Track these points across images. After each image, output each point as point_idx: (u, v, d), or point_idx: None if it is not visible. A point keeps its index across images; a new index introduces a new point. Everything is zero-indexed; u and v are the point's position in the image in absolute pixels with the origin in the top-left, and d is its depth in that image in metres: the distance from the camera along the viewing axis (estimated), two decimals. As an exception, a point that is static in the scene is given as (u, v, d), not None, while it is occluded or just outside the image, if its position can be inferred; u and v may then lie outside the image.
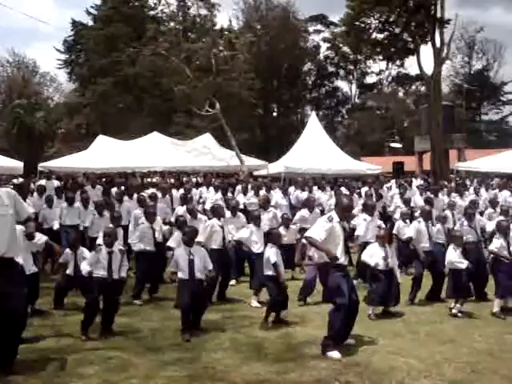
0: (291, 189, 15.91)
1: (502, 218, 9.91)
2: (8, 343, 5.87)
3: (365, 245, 9.56)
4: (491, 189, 16.56)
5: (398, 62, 40.01)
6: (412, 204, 13.56)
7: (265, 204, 10.86)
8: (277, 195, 14.51)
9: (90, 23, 48.03)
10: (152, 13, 44.30)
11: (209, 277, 7.65)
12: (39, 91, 51.48)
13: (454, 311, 8.32)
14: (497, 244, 8.54)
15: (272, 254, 7.86)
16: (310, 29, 56.71)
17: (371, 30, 30.30)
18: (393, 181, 18.11)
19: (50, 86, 54.42)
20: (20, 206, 6.06)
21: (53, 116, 41.28)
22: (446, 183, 17.47)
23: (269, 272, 7.83)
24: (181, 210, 11.45)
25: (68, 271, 8.52)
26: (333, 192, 15.29)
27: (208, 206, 12.97)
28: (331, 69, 58.11)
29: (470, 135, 38.77)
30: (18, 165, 20.77)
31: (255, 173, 22.82)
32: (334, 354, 6.35)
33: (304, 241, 7.68)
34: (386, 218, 13.44)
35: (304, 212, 11.57)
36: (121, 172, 21.31)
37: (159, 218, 10.31)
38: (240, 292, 9.69)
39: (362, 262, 8.70)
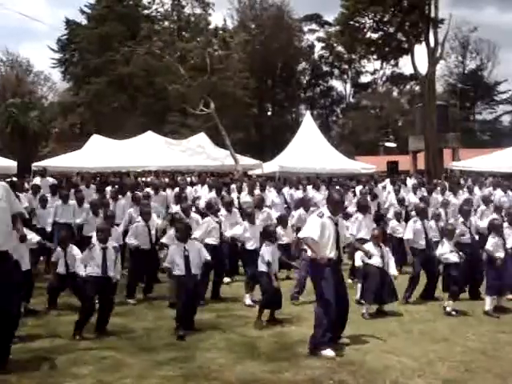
0: (285, 189, 15.90)
1: (495, 215, 9.95)
2: (0, 342, 5.85)
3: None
4: (485, 187, 16.59)
5: (392, 62, 40.21)
6: (406, 203, 13.59)
7: (259, 204, 10.85)
8: (271, 194, 14.50)
9: (84, 22, 47.94)
10: (146, 12, 44.25)
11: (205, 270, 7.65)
12: (33, 90, 51.30)
13: (448, 309, 8.34)
14: (492, 243, 8.58)
15: (266, 252, 7.88)
16: (305, 28, 56.91)
17: (366, 30, 30.41)
18: (387, 180, 18.11)
19: (44, 85, 54.35)
20: (13, 200, 6.06)
21: (47, 115, 41.15)
22: (440, 181, 17.51)
23: (262, 268, 7.86)
24: (175, 208, 11.46)
25: (58, 269, 8.47)
26: (327, 192, 15.28)
27: (202, 204, 12.99)
28: (326, 68, 58.22)
29: (463, 135, 38.88)
30: (11, 164, 20.74)
31: (250, 172, 22.83)
32: (328, 353, 6.36)
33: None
34: (380, 217, 13.46)
35: (301, 211, 11.57)
36: (115, 171, 21.27)
37: (155, 216, 10.30)
38: (234, 291, 9.69)
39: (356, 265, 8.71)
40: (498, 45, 58.72)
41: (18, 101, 37.20)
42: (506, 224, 9.09)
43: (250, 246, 9.21)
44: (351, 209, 12.51)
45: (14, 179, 18.13)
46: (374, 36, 30.63)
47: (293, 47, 52.58)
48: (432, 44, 28.54)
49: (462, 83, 54.16)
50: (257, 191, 13.77)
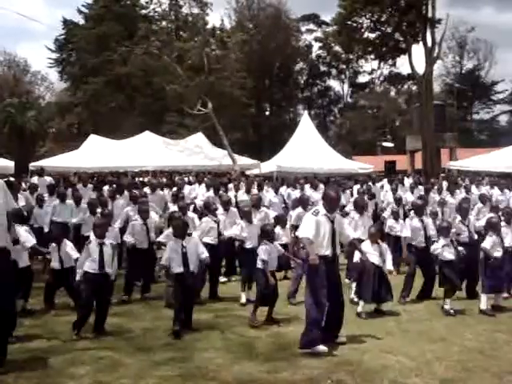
0: (283, 188, 15.92)
1: (491, 214, 9.95)
2: None
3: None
4: (482, 186, 16.63)
5: (389, 62, 40.13)
6: (404, 202, 13.62)
7: (257, 203, 10.84)
8: (269, 194, 14.52)
9: (82, 22, 47.87)
10: (144, 12, 44.14)
11: (203, 263, 7.63)
12: (30, 90, 51.25)
13: (446, 307, 8.34)
14: (490, 241, 8.58)
15: (262, 250, 7.90)
16: (302, 28, 56.97)
17: (363, 30, 30.44)
18: (385, 180, 18.15)
19: (42, 85, 54.30)
20: (8, 198, 6.08)
21: (44, 115, 41.09)
22: (437, 181, 17.53)
23: (259, 265, 7.88)
24: (172, 208, 11.48)
25: (53, 264, 8.46)
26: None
27: (199, 202, 13.02)
28: (323, 68, 58.26)
29: (461, 134, 38.93)
30: (9, 164, 20.71)
31: (247, 172, 22.84)
32: (320, 349, 6.42)
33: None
34: (377, 216, 13.49)
35: (299, 210, 11.57)
36: (113, 171, 21.25)
37: (153, 214, 10.31)
38: (232, 291, 9.68)
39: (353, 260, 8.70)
40: (495, 45, 59.27)
41: (16, 101, 37.17)
42: (503, 223, 9.10)
43: (246, 245, 9.22)
44: (349, 208, 12.51)
45: (12, 179, 18.11)
46: (372, 36, 30.68)
47: (290, 47, 52.59)
48: (429, 44, 28.58)
49: (460, 83, 54.18)
50: (254, 190, 13.78)
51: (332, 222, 6.72)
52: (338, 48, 48.20)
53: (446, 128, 32.67)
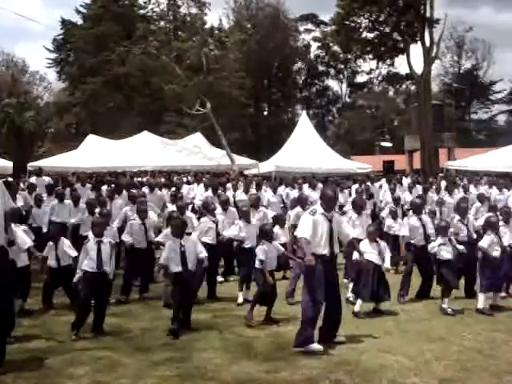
0: (281, 188, 15.92)
1: (490, 214, 9.97)
2: None
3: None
4: (481, 186, 16.64)
5: (388, 61, 40.16)
6: (402, 202, 13.63)
7: (255, 203, 10.85)
8: (268, 194, 14.53)
9: (80, 22, 47.85)
10: (142, 12, 44.15)
11: (201, 263, 7.66)
12: (28, 90, 51.22)
13: (443, 306, 8.35)
14: (487, 240, 8.59)
15: (260, 251, 7.91)
16: (301, 28, 56.92)
17: (361, 30, 30.43)
18: (383, 179, 18.16)
19: (40, 85, 54.28)
20: (6, 197, 6.09)
21: (42, 115, 41.10)
22: (435, 180, 17.55)
23: (257, 265, 7.90)
24: (171, 207, 11.50)
25: (49, 263, 8.47)
26: (323, 190, 15.31)
27: (197, 202, 13.03)
28: (322, 68, 58.22)
29: (459, 134, 38.96)
30: (7, 164, 20.69)
31: (246, 172, 22.85)
32: (315, 347, 6.46)
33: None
34: (376, 216, 13.50)
35: (298, 210, 11.58)
36: (111, 171, 21.25)
37: (151, 214, 10.31)
38: (230, 291, 9.67)
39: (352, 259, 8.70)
40: (494, 44, 59.33)
41: (14, 101, 37.13)
42: (501, 222, 9.11)
43: (245, 244, 9.23)
44: (347, 208, 12.51)
45: (10, 179, 18.08)
46: (370, 36, 30.65)
47: (289, 47, 52.57)
48: (427, 44, 28.60)
49: (458, 83, 54.29)
50: (253, 190, 13.78)
51: (330, 220, 6.73)
52: (336, 48, 48.23)
53: (444, 128, 32.68)
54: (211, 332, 7.35)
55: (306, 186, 15.68)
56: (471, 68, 58.54)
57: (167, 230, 9.01)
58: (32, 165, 20.24)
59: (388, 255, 8.51)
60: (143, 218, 9.63)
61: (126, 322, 7.92)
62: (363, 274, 8.30)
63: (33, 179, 15.81)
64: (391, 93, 58.93)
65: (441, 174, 22.39)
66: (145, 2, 42.25)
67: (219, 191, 13.19)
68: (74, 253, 8.23)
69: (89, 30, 43.66)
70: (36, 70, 53.88)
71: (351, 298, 8.58)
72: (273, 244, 8.19)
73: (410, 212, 10.02)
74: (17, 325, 6.99)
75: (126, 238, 9.49)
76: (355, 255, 8.39)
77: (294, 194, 14.49)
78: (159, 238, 9.28)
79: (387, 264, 8.42)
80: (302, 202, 11.55)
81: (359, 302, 8.28)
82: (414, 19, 28.38)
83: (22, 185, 15.93)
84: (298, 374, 5.79)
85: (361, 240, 8.89)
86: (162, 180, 18.61)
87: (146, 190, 13.36)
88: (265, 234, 8.16)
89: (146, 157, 20.18)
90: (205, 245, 8.70)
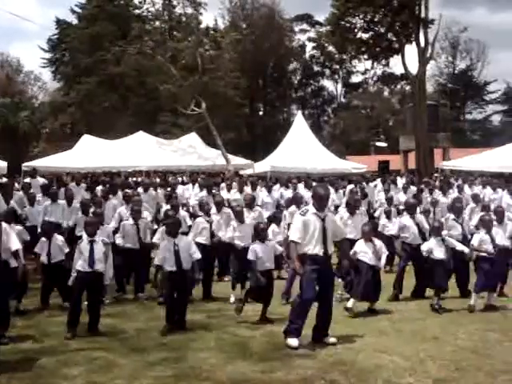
0: (276, 187, 15.93)
1: (482, 214, 10.02)
2: None
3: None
4: (475, 186, 16.69)
5: (383, 62, 40.13)
6: (396, 202, 13.66)
7: (251, 203, 10.85)
8: (262, 194, 14.53)
9: (75, 22, 47.72)
10: (137, 11, 43.99)
11: (195, 268, 7.65)
12: (23, 90, 50.99)
13: (433, 302, 8.44)
14: (477, 238, 8.64)
15: (250, 250, 7.97)
16: (296, 28, 57.00)
17: (356, 30, 30.49)
18: (378, 179, 18.20)
19: (35, 85, 54.00)
20: None
21: (37, 115, 40.85)
22: (430, 180, 17.58)
23: (251, 263, 7.97)
24: (165, 207, 11.51)
25: (42, 259, 8.47)
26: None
27: (192, 203, 13.03)
28: (317, 68, 58.30)
29: (454, 134, 39.06)
30: (1, 164, 20.56)
31: (241, 172, 22.84)
32: (292, 342, 6.56)
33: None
34: (371, 215, 13.52)
35: (293, 209, 11.61)
36: (106, 171, 21.20)
37: (146, 213, 10.30)
38: (226, 291, 9.67)
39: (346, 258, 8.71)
40: (488, 45, 59.17)
41: (8, 100, 36.95)
42: (494, 222, 9.15)
43: (237, 244, 9.23)
44: (341, 207, 12.53)
45: (4, 179, 18.03)
46: (365, 36, 30.72)
47: (284, 47, 52.62)
48: (422, 44, 28.67)
49: (452, 83, 54.41)
50: (247, 190, 13.79)
51: (323, 220, 6.72)
52: (331, 48, 48.24)
53: (439, 128, 32.77)
54: (206, 332, 7.35)
55: (301, 186, 15.70)
56: (466, 68, 58.73)
57: (162, 229, 9.04)
58: (27, 165, 20.14)
59: (384, 255, 8.53)
60: (136, 218, 9.62)
61: (120, 322, 7.91)
62: (360, 273, 8.31)
63: (27, 181, 15.75)
64: (386, 93, 59.09)
65: (436, 174, 22.46)
66: (140, 2, 42.02)
67: (214, 191, 13.20)
68: (66, 249, 8.26)
69: (84, 30, 43.55)
70: (31, 70, 53.68)
71: (339, 293, 8.61)
72: (268, 243, 8.20)
73: (405, 212, 10.06)
74: (11, 325, 6.99)
75: (118, 240, 9.49)
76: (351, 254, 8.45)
77: (289, 194, 14.51)
78: (155, 239, 9.30)
79: (381, 264, 8.44)
80: (297, 201, 11.58)
81: (352, 300, 8.30)
82: (408, 20, 28.46)
83: (16, 185, 15.88)
84: (293, 374, 5.79)
85: (354, 240, 8.95)
86: (158, 180, 18.59)
87: (140, 190, 13.35)
88: (257, 234, 8.19)
89: (141, 157, 20.13)
90: (199, 245, 8.71)
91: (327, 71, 58.57)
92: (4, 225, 6.64)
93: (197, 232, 9.40)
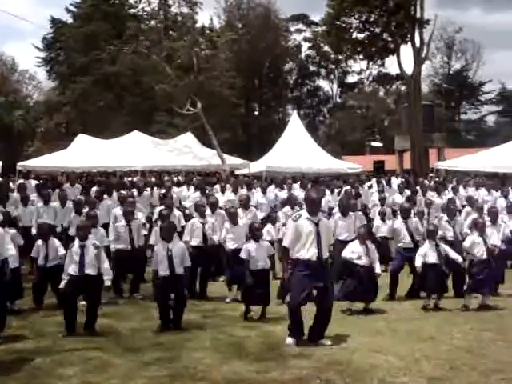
0: (271, 188, 15.92)
1: (475, 215, 10.07)
2: None
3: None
4: (469, 187, 16.72)
5: (378, 62, 40.26)
6: (392, 203, 13.68)
7: (246, 203, 10.86)
8: (257, 194, 14.52)
9: (70, 21, 47.48)
10: (132, 11, 43.76)
11: (185, 274, 7.68)
12: (18, 89, 50.83)
13: (426, 301, 8.51)
14: (469, 240, 8.68)
15: (243, 249, 8.05)
16: (292, 28, 56.94)
17: (352, 30, 30.58)
18: (374, 179, 18.23)
19: (29, 84, 53.80)
20: None
21: (32, 114, 40.80)
22: (424, 181, 17.63)
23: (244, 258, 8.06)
24: (159, 208, 11.47)
25: (39, 262, 8.47)
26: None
27: (187, 204, 13.02)
28: (312, 68, 58.28)
29: (449, 134, 39.16)
30: (-4, 164, 20.50)
31: (237, 172, 22.82)
32: (288, 340, 6.64)
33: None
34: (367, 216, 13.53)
35: (287, 209, 11.63)
36: (101, 171, 21.16)
37: (140, 215, 10.28)
38: (221, 291, 9.67)
39: (340, 259, 8.73)
40: (483, 45, 59.47)
41: (3, 99, 36.90)
42: (488, 223, 9.19)
43: (230, 245, 9.25)
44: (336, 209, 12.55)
45: (-1, 179, 17.93)
46: (360, 36, 30.81)
47: (279, 47, 52.60)
48: (418, 44, 28.76)
49: (448, 83, 54.51)
50: (244, 190, 13.78)
51: (316, 224, 6.70)
52: (327, 48, 48.25)
53: (434, 128, 32.86)
54: (202, 332, 7.35)
55: (296, 186, 15.70)
56: (461, 69, 58.85)
57: (156, 229, 9.05)
58: (21, 164, 20.07)
59: (377, 259, 8.53)
60: (129, 219, 9.61)
61: (116, 322, 7.90)
62: (354, 276, 8.34)
63: (20, 182, 15.65)
64: (382, 93, 59.16)
65: (431, 174, 22.52)
66: (135, 1, 41.83)
67: (208, 192, 13.19)
68: (63, 251, 8.24)
69: (79, 29, 43.39)
70: (26, 69, 53.43)
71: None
72: (263, 243, 8.23)
73: (398, 216, 10.11)
74: (5, 325, 6.97)
75: (111, 243, 9.48)
76: (346, 253, 8.48)
77: (283, 194, 14.50)
78: (151, 241, 9.35)
79: (378, 270, 8.46)
80: (291, 201, 11.60)
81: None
82: (404, 20, 28.54)
83: (11, 184, 15.78)
84: (289, 373, 5.79)
85: (347, 241, 8.99)
86: (153, 179, 18.55)
87: (135, 191, 13.30)
88: (252, 233, 8.23)
89: (136, 157, 20.07)
90: (193, 247, 8.78)
91: (323, 71, 58.59)
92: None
93: (190, 233, 9.39)
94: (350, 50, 33.08)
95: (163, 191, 13.95)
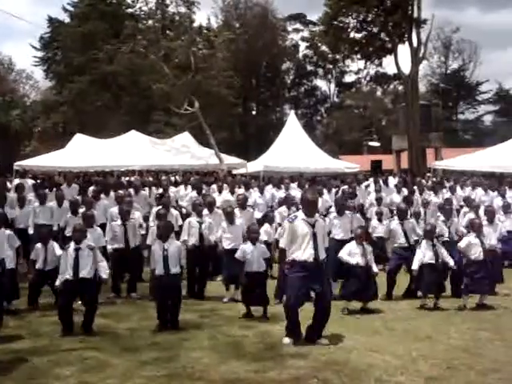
0: (268, 187, 15.92)
1: (472, 215, 10.09)
2: None
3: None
4: (466, 187, 16.73)
5: (375, 62, 40.28)
6: (389, 202, 13.69)
7: (243, 203, 10.86)
8: (254, 194, 14.51)
9: (67, 20, 47.42)
10: (130, 10, 43.75)
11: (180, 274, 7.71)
12: (15, 89, 50.72)
13: (423, 301, 8.55)
14: (465, 241, 8.69)
15: (241, 249, 8.11)
16: (289, 28, 56.97)
17: (349, 30, 30.53)
18: (371, 179, 18.23)
19: (26, 84, 53.69)
20: None
21: (29, 114, 40.75)
22: (422, 180, 17.64)
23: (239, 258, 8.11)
24: (156, 209, 11.46)
25: (38, 265, 8.46)
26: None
27: (184, 204, 13.02)
28: (310, 68, 58.33)
29: (446, 134, 39.19)
30: (-7, 163, 20.46)
31: (234, 171, 22.82)
32: (285, 340, 6.66)
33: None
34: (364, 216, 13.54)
35: (283, 209, 11.64)
36: (99, 171, 21.14)
37: (137, 215, 10.28)
38: (219, 291, 9.67)
39: (337, 259, 8.75)
40: (480, 45, 59.46)
41: (0, 99, 36.78)
42: (485, 222, 9.21)
43: (226, 245, 9.25)
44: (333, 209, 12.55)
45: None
46: (358, 36, 30.75)
47: (277, 46, 52.60)
48: (415, 44, 28.75)
49: (445, 83, 54.62)
50: (241, 190, 13.77)
51: (313, 226, 6.70)
52: (324, 48, 48.27)
53: (431, 128, 32.86)
54: (199, 332, 7.35)
55: (294, 186, 15.69)
56: (458, 68, 58.94)
57: (154, 229, 9.06)
58: (18, 164, 20.03)
59: (372, 261, 8.55)
60: (125, 219, 9.61)
61: (113, 322, 7.90)
62: (351, 276, 8.36)
63: (16, 181, 15.61)
64: (379, 93, 59.19)
65: (428, 174, 22.54)
66: (133, 1, 41.82)
67: (205, 191, 13.18)
68: (59, 251, 8.24)
69: (76, 29, 43.32)
70: (23, 69, 53.33)
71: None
72: (259, 246, 8.24)
73: (395, 217, 10.12)
74: (2, 325, 6.96)
75: (107, 243, 9.47)
76: (343, 254, 8.49)
77: (280, 194, 14.50)
78: (148, 241, 9.36)
79: (375, 269, 8.48)
80: (288, 201, 11.61)
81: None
82: (401, 20, 28.52)
83: (8, 184, 15.74)
84: (286, 373, 5.79)
85: (343, 241, 9.01)
86: (150, 179, 18.53)
87: (132, 190, 13.29)
88: (249, 235, 8.25)
89: (134, 156, 20.05)
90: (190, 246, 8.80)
91: (320, 71, 58.62)
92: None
93: (188, 232, 9.39)
94: (348, 50, 33.03)
95: (160, 191, 13.92)
